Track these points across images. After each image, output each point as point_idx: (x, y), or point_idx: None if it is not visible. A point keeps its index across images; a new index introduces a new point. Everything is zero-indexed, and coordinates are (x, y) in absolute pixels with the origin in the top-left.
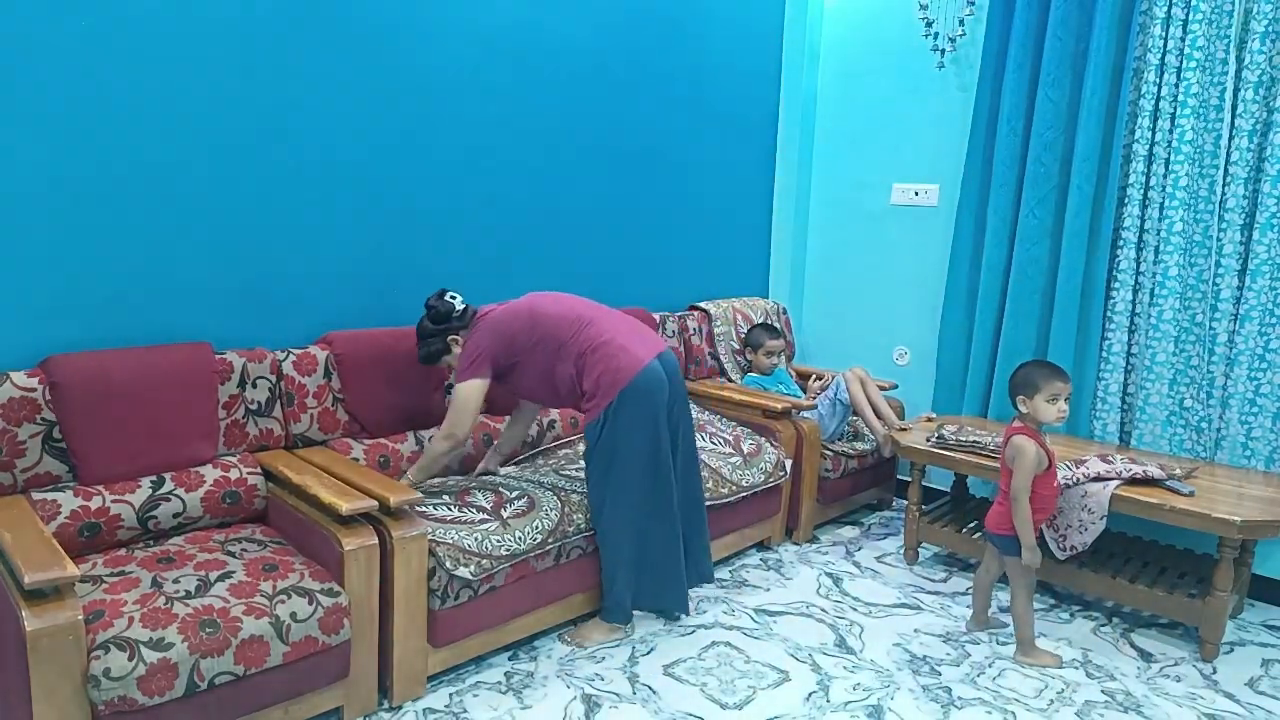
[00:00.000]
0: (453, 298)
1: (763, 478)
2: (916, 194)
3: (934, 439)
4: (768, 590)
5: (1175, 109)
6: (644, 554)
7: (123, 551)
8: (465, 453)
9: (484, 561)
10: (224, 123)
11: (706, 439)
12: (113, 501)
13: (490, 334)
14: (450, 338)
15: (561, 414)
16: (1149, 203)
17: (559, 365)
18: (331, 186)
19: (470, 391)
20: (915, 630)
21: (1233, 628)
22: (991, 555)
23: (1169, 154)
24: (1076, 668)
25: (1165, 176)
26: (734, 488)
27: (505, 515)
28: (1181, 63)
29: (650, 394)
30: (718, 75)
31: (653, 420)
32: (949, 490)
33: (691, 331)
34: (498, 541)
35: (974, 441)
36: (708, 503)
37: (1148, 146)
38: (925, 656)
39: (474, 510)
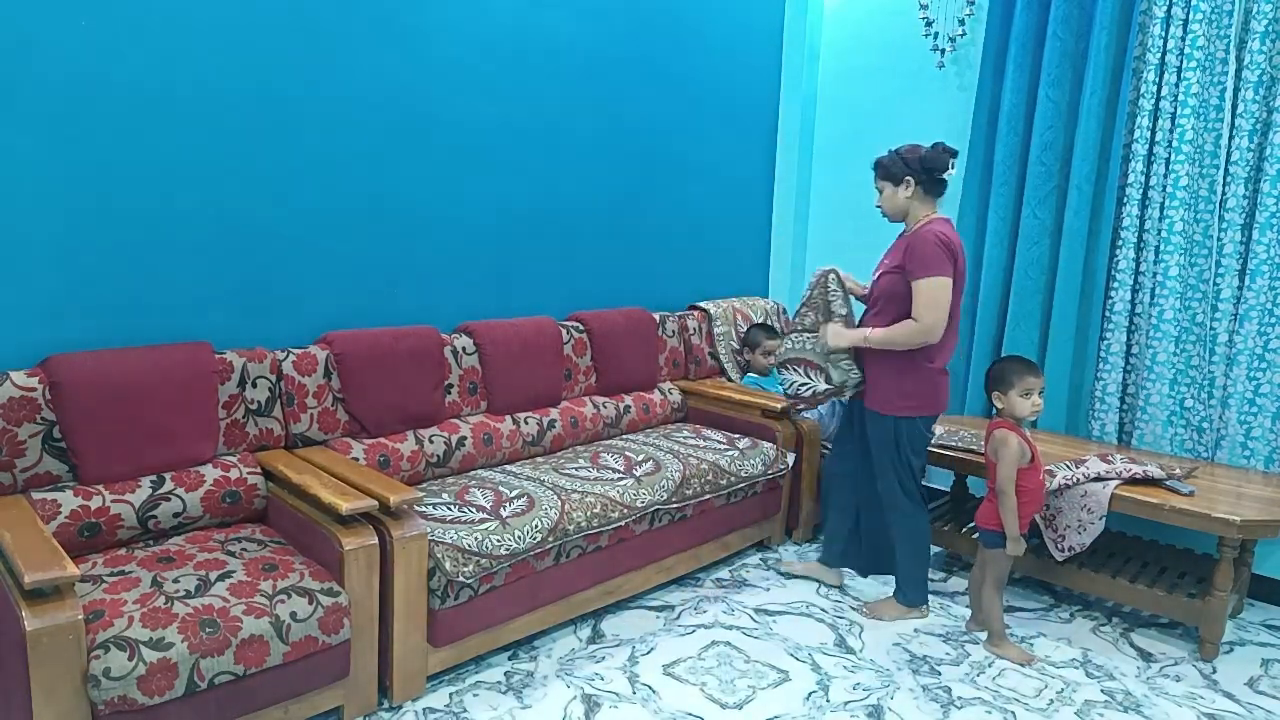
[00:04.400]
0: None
1: (762, 468)
2: None
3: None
4: (768, 590)
5: (1175, 108)
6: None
7: (123, 551)
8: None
9: (483, 561)
10: (224, 122)
11: (703, 439)
12: (113, 501)
13: (945, 248)
14: (908, 177)
15: (562, 414)
16: (1149, 202)
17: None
18: (331, 186)
19: (943, 285)
20: (915, 630)
21: (1232, 627)
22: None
23: (1169, 153)
24: (1076, 667)
25: (1165, 176)
26: (733, 478)
27: (504, 515)
28: (1181, 62)
29: (930, 429)
30: (718, 75)
31: (916, 446)
32: (949, 490)
33: (691, 331)
34: (497, 541)
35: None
36: (706, 497)
37: (1147, 146)
38: (925, 656)
39: (474, 510)
